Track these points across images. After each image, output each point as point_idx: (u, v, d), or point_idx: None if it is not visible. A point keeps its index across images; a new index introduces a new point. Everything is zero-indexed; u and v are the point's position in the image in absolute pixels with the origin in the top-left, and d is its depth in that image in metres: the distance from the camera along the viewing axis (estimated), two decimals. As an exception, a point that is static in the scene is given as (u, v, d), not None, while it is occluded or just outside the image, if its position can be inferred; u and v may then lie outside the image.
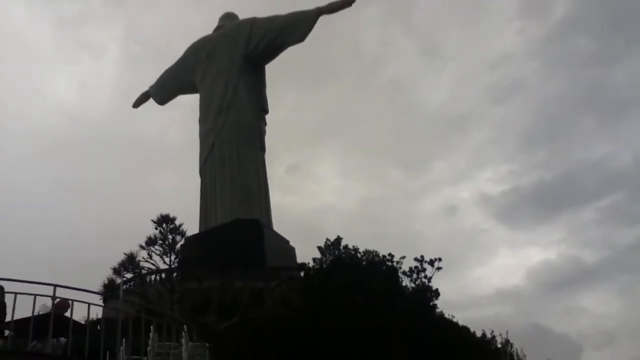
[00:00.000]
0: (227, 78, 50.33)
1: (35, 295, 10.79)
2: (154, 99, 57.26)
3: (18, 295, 10.65)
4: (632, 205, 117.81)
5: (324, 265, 26.73)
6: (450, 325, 26.42)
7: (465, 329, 28.71)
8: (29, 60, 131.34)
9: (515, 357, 30.90)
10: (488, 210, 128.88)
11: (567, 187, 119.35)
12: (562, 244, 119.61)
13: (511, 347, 31.34)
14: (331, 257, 27.30)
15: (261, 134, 51.31)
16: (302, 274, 32.13)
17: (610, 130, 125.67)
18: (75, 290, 11.50)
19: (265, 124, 52.34)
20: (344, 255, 26.72)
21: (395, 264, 25.39)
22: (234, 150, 48.53)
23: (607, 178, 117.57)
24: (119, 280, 27.77)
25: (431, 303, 23.95)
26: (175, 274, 31.32)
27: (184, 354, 14.13)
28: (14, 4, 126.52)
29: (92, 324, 13.64)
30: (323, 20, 48.63)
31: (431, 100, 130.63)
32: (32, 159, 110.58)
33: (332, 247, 28.01)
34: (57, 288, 10.89)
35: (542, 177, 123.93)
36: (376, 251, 26.53)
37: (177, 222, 30.23)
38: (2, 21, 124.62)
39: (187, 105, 53.27)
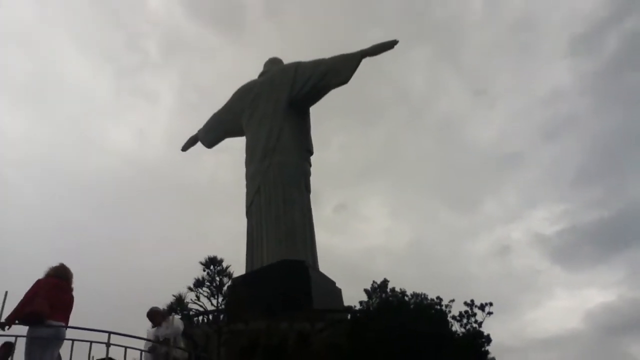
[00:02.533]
0: (272, 121, 51.37)
1: (90, 342, 11.08)
2: (202, 142, 58.86)
3: (75, 341, 11.00)
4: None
5: (371, 308, 26.46)
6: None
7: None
8: (89, 109, 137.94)
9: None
10: (543, 251, 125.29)
11: (625, 225, 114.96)
12: (622, 285, 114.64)
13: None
14: (378, 300, 27.02)
15: (306, 174, 51.81)
16: (348, 316, 31.83)
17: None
18: (129, 337, 11.76)
19: (310, 165, 52.91)
20: (391, 299, 26.39)
21: (444, 307, 24.91)
22: (279, 191, 49.04)
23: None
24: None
25: (482, 349, 23.25)
26: (222, 315, 31.50)
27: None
28: (74, 56, 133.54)
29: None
30: (371, 62, 49.36)
31: (481, 138, 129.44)
32: (93, 206, 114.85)
33: (379, 290, 27.77)
34: (112, 335, 11.16)
35: (598, 216, 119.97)
36: (424, 294, 26.14)
37: (224, 264, 30.59)
38: (64, 70, 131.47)
39: (238, 149, 54.70)
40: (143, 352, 12.55)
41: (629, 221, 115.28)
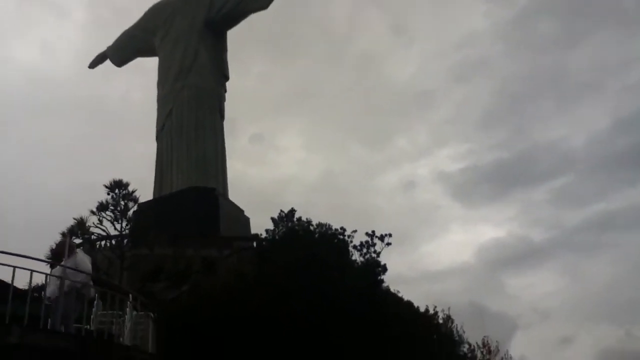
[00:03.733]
0: (187, 42, 49.36)
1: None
2: (111, 60, 55.77)
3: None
4: (582, 187, 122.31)
5: (277, 237, 26.99)
6: (395, 300, 27.20)
7: (409, 304, 29.59)
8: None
9: (455, 332, 32.17)
10: (445, 187, 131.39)
11: (522, 167, 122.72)
12: (513, 222, 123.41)
13: (452, 322, 32.58)
14: (284, 229, 27.55)
15: (221, 100, 50.64)
16: (254, 244, 32.36)
17: (567, 113, 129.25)
18: (19, 257, 11.31)
19: (226, 91, 51.66)
20: (296, 228, 26.99)
21: (346, 237, 25.80)
22: (192, 116, 47.83)
23: (560, 160, 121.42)
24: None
25: (378, 277, 24.52)
26: (126, 240, 31.00)
27: (127, 324, 14.17)
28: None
29: (34, 290, 13.48)
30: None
31: (397, 76, 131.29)
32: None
33: (286, 219, 28.24)
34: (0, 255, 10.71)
35: (499, 157, 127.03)
36: (329, 224, 26.91)
37: (130, 188, 29.79)
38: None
39: (152, 69, 52.22)
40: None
41: (526, 163, 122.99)
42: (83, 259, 12.90)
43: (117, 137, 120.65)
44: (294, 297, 21.15)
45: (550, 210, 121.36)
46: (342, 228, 25.99)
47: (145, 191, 43.02)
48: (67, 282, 11.84)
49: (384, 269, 24.39)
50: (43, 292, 12.57)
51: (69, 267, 12.18)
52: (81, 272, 12.36)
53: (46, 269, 15.13)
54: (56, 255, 14.74)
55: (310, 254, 23.47)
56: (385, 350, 21.51)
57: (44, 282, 12.34)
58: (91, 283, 12.95)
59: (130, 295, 14.96)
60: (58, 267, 12.58)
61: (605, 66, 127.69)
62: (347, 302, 21.13)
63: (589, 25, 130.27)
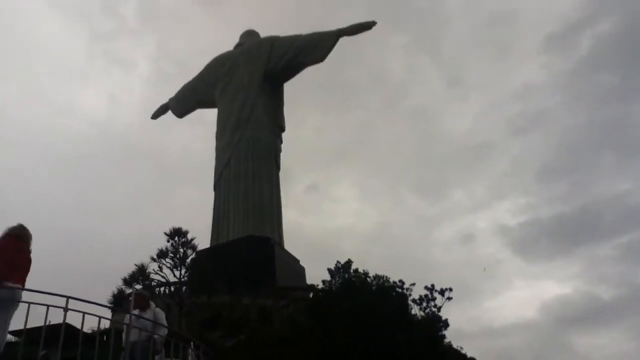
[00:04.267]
0: (245, 94, 50.86)
1: (47, 305, 10.85)
2: (172, 111, 57.89)
3: (31, 305, 10.76)
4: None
5: (333, 288, 26.65)
6: (458, 356, 26.19)
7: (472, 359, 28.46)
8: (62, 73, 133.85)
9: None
10: (505, 241, 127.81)
11: (585, 221, 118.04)
12: (578, 279, 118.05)
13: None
14: (340, 280, 27.23)
15: (277, 151, 51.59)
16: (311, 295, 32.05)
17: (630, 166, 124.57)
18: (87, 303, 11.56)
19: (282, 142, 52.67)
20: (353, 279, 26.62)
21: (405, 290, 25.24)
22: (249, 166, 48.77)
23: (626, 214, 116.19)
24: (128, 291, 27.82)
25: (440, 333, 23.72)
26: (185, 287, 31.35)
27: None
28: (51, 17, 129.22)
29: (100, 334, 13.70)
30: (349, 44, 49.14)
31: (453, 129, 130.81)
32: (59, 169, 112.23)
33: (343, 270, 27.96)
34: (70, 300, 10.94)
35: (560, 211, 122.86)
36: (387, 276, 26.42)
37: (189, 236, 30.31)
38: (38, 33, 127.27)
39: (211, 121, 53.97)
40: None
41: (588, 218, 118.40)
42: (161, 312, 13.20)
43: (178, 186, 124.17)
44: (349, 349, 20.70)
45: (617, 267, 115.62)
46: (400, 281, 25.51)
47: (203, 239, 43.83)
48: (144, 333, 12.06)
49: (446, 324, 23.60)
50: (123, 338, 12.76)
51: (146, 319, 12.43)
52: (161, 325, 12.62)
53: (108, 314, 15.39)
54: (118, 301, 14.99)
55: (367, 306, 23.03)
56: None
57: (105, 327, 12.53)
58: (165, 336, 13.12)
59: (192, 343, 14.96)
60: (137, 316, 12.80)
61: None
62: (406, 356, 20.48)
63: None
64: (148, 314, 12.71)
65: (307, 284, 36.03)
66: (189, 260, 29.88)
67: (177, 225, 29.76)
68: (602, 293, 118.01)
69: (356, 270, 26.99)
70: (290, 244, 49.63)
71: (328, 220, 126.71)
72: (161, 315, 12.91)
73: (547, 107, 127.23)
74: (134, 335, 12.13)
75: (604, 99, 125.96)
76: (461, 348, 27.34)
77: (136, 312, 12.76)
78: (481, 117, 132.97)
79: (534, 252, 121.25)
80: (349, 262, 27.42)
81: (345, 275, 27.06)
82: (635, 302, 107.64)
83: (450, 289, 23.27)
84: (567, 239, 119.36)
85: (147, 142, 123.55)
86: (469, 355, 27.67)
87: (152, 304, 13.60)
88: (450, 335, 25.56)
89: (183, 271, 29.29)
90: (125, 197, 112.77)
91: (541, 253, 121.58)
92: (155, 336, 12.25)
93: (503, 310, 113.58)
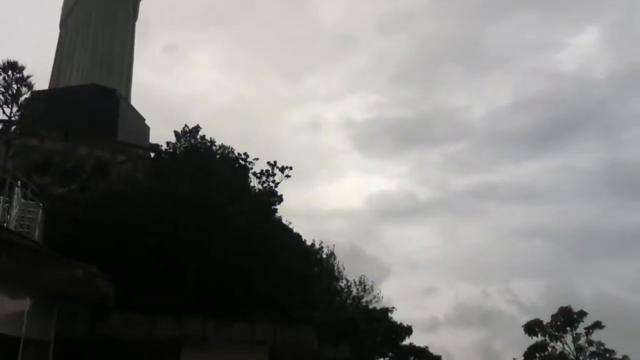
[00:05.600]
0: None
1: None
2: None
3: None
4: (471, 156, 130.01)
5: (177, 151, 26.54)
6: (285, 229, 28.13)
7: (298, 236, 30.76)
8: None
9: (335, 268, 34.23)
10: (348, 134, 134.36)
11: (422, 127, 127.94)
12: (403, 178, 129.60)
13: (334, 259, 34.62)
14: (186, 145, 27.07)
15: (135, -3, 47.71)
16: (152, 155, 31.60)
17: (473, 84, 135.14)
18: None
19: (144, -11, 48.67)
20: (199, 145, 26.63)
21: (248, 164, 25.86)
22: (101, 8, 44.73)
23: (457, 127, 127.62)
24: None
25: (273, 207, 25.09)
26: (15, 127, 29.08)
27: (14, 210, 13.68)
28: None
29: None
30: None
31: (324, 16, 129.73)
32: None
33: (189, 135, 27.67)
34: None
35: (404, 114, 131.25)
36: (232, 147, 26.78)
37: (26, 73, 27.67)
38: None
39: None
40: None
41: (425, 125, 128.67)
42: None
43: (19, 16, 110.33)
44: (187, 212, 21.22)
45: (439, 173, 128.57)
46: (245, 154, 25.97)
47: (42, 81, 40.28)
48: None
49: (280, 199, 24.91)
50: None
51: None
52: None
53: None
54: None
55: (209, 171, 23.46)
56: (266, 273, 22.37)
57: None
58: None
59: (20, 182, 14.38)
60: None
61: (518, 46, 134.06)
62: (239, 223, 21.60)
63: (513, 2, 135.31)
64: None
65: (150, 144, 35.27)
66: (22, 99, 27.56)
67: (12, 59, 26.96)
68: (421, 193, 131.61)
69: (203, 137, 26.93)
70: (138, 103, 47.67)
71: (182, 84, 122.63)
72: None
73: (416, 11, 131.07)
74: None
75: (469, 14, 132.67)
76: (290, 223, 29.31)
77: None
78: (353, 9, 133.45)
79: (371, 148, 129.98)
80: (197, 128, 27.18)
81: (191, 141, 26.90)
82: (447, 205, 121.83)
83: (290, 168, 24.38)
84: (403, 140, 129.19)
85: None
86: (295, 231, 29.86)
87: None
88: (282, 211, 27.16)
89: (15, 109, 27.05)
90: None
91: (377, 150, 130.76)
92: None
93: (332, 197, 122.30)
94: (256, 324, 19.84)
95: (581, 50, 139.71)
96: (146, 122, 45.72)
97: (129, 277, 18.63)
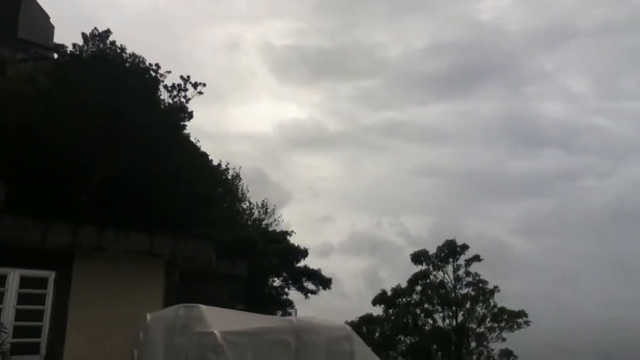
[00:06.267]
0: None
1: None
2: None
3: None
4: (383, 93, 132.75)
5: (84, 55, 25.29)
6: (193, 147, 28.04)
7: (205, 155, 30.77)
8: None
9: (240, 190, 34.89)
10: (266, 58, 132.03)
11: (338, 59, 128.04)
12: (315, 108, 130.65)
13: (239, 180, 35.22)
14: (94, 49, 25.77)
15: None
16: (55, 56, 29.85)
17: (394, 23, 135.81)
18: None
19: None
20: (108, 51, 25.45)
21: (159, 76, 25.13)
22: None
23: (373, 63, 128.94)
24: None
25: (182, 123, 24.81)
26: None
27: None
28: None
29: None
30: None
31: None
32: None
33: (99, 40, 26.30)
34: None
35: (323, 44, 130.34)
36: (143, 57, 25.81)
37: None
38: None
39: None
40: None
41: (341, 57, 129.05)
42: None
43: None
44: (91, 118, 20.61)
45: (350, 106, 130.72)
46: (157, 64, 25.14)
47: None
48: None
49: (190, 115, 24.58)
50: None
51: None
52: None
53: None
54: None
55: (117, 78, 22.70)
56: (170, 187, 22.48)
57: None
58: None
59: None
60: None
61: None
62: (148, 136, 21.32)
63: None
64: None
65: (54, 44, 33.11)
66: None
67: None
68: (331, 125, 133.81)
69: (113, 43, 25.72)
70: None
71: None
72: None
73: None
74: None
75: None
76: (198, 141, 29.22)
77: None
78: None
79: (287, 75, 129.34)
80: (107, 32, 25.78)
81: (100, 45, 25.61)
82: (354, 138, 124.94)
83: (204, 84, 24.00)
84: (319, 71, 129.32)
85: None
86: (202, 150, 29.86)
87: None
88: (191, 129, 26.94)
89: None
90: None
91: (293, 78, 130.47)
92: None
93: (243, 120, 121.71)
94: (155, 235, 20.07)
95: (500, 1, 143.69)
96: (51, 20, 42.60)
97: (25, 181, 18.16)
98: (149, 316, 9.13)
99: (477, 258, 47.92)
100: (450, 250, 47.65)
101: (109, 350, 17.14)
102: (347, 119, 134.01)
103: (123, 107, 20.91)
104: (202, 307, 7.72)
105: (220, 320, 7.23)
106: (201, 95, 25.46)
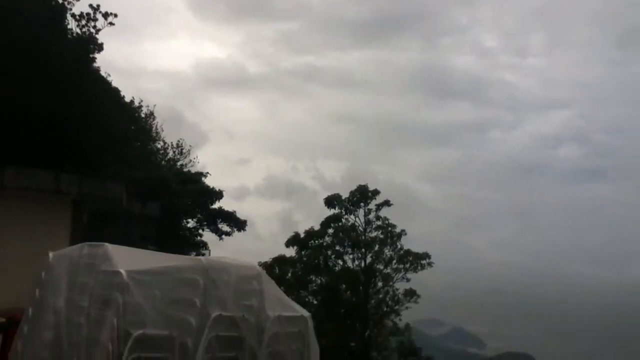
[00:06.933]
0: None
1: None
2: None
3: None
4: (305, 38, 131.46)
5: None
6: (103, 82, 26.82)
7: (116, 90, 29.55)
8: None
9: (154, 128, 33.95)
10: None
11: (261, 0, 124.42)
12: (235, 48, 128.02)
13: (154, 119, 34.17)
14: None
15: None
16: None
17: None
18: None
19: None
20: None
21: (66, 3, 23.54)
22: None
23: (296, 6, 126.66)
24: None
25: (92, 55, 23.59)
26: None
27: None
28: None
29: None
30: None
31: None
32: None
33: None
34: None
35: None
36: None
37: None
38: None
39: None
40: None
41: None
42: None
43: None
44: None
45: (271, 49, 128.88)
46: (62, -11, 23.48)
47: None
48: None
49: (100, 47, 23.37)
50: None
51: None
52: None
53: None
54: None
55: (19, 4, 21.09)
56: (78, 123, 21.59)
57: None
58: None
59: None
60: None
61: None
62: (55, 69, 20.15)
63: None
64: None
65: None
66: None
67: None
68: (250, 67, 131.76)
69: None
70: None
71: None
72: None
73: None
74: None
75: None
76: (109, 75, 27.98)
77: None
78: None
79: (206, 12, 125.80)
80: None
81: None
82: (273, 81, 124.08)
83: (115, 15, 22.78)
84: (240, 10, 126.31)
85: None
86: (114, 85, 28.65)
87: None
88: (102, 62, 25.68)
89: None
90: None
91: (212, 15, 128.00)
92: None
93: (159, 57, 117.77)
94: (61, 173, 19.30)
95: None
96: None
97: None
98: (51, 255, 8.94)
99: (387, 203, 49.73)
100: (362, 195, 49.08)
101: (11, 290, 16.63)
102: (267, 61, 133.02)
103: (25, 37, 19.58)
104: (108, 245, 7.68)
105: (127, 259, 7.24)
106: (112, 26, 24.14)
